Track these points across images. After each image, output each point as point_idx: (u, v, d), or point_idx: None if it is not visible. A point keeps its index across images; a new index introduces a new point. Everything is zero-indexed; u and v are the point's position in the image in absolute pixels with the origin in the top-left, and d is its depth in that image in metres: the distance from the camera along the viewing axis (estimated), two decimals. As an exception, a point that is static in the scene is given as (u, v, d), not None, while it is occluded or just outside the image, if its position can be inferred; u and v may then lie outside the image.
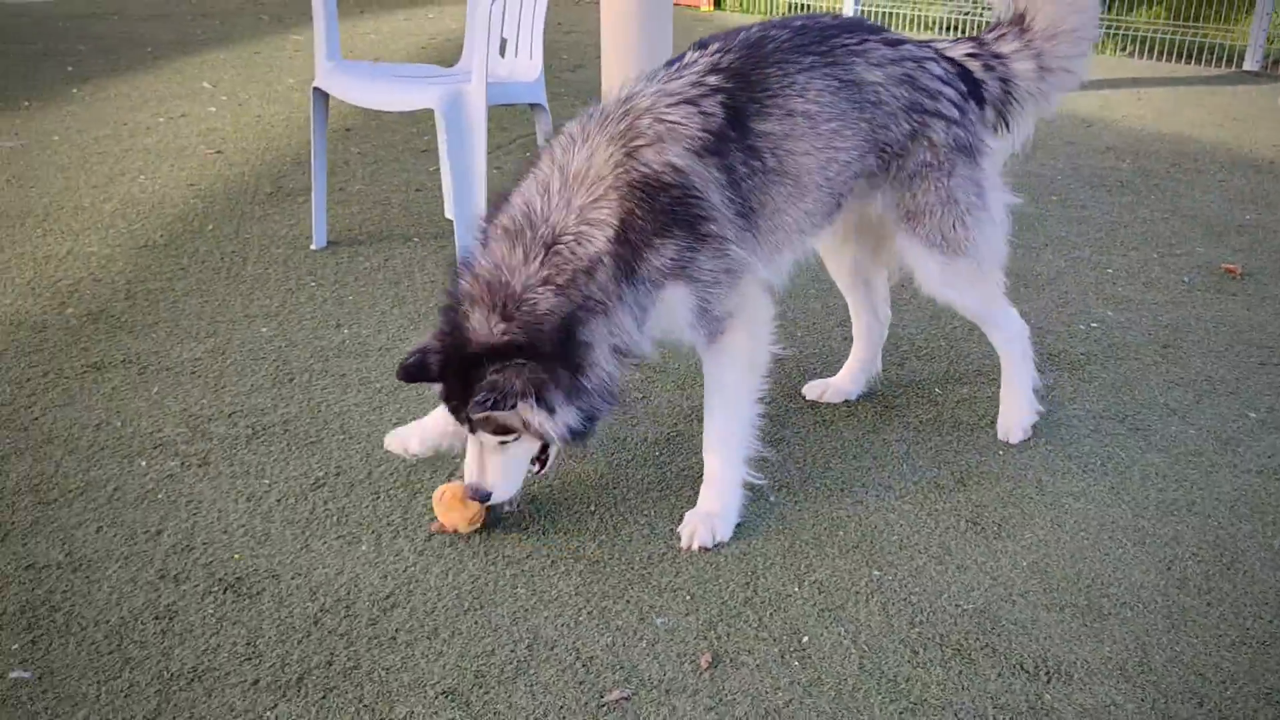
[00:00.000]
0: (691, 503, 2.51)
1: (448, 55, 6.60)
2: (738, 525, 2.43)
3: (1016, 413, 2.87)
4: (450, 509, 2.36)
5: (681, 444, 2.78)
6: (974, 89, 2.66)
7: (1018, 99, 2.73)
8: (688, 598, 2.20)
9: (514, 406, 2.15)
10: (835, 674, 2.01)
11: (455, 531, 2.37)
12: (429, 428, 2.59)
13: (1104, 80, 7.53)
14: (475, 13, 3.78)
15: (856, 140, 2.52)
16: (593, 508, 2.48)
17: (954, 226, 2.64)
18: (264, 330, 3.31)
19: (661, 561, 2.31)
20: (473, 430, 2.26)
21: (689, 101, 2.33)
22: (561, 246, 2.20)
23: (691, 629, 2.11)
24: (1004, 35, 2.73)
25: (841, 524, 2.46)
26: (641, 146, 2.27)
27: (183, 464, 2.61)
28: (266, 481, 2.55)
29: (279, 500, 2.48)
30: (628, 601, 2.18)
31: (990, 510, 2.53)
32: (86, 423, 2.77)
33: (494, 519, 2.41)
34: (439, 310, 2.29)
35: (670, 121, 2.30)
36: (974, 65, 2.69)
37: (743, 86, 2.38)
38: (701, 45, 2.48)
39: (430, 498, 2.45)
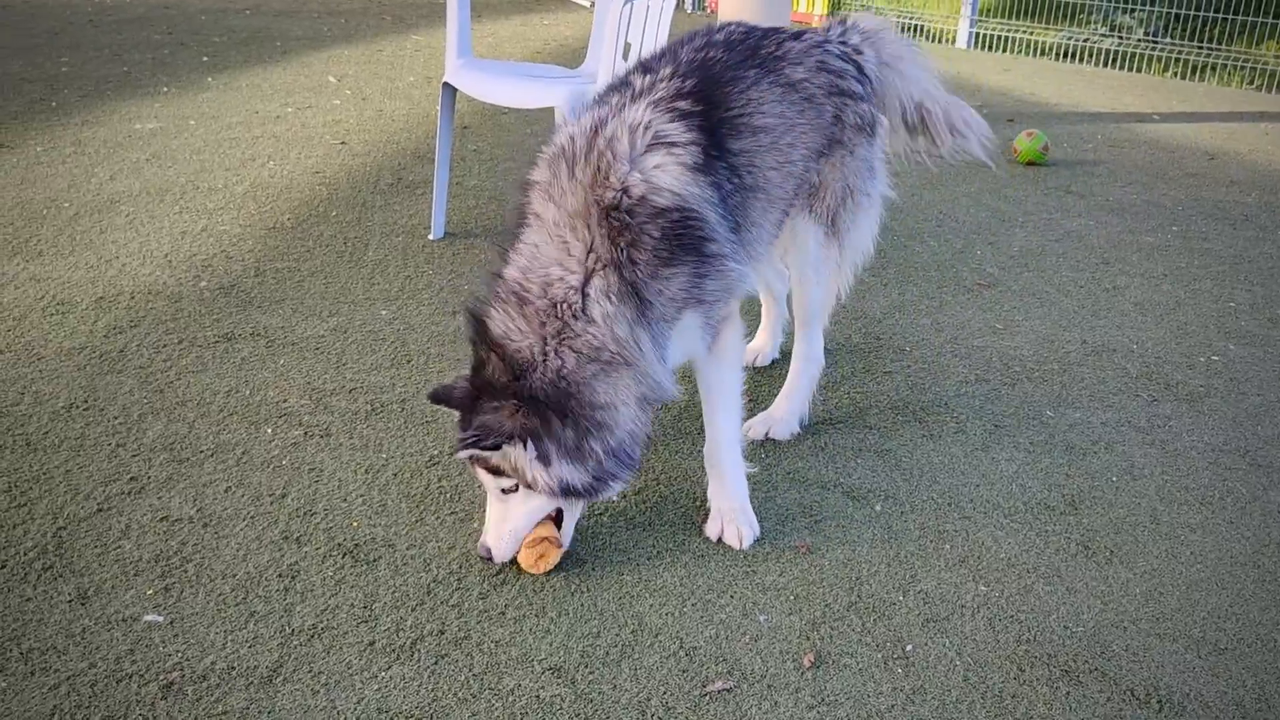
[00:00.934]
0: (797, 503, 2.52)
1: (563, 61, 6.71)
2: (841, 531, 2.43)
3: (783, 413, 2.87)
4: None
5: (785, 448, 2.79)
6: (862, 69, 2.72)
7: (875, 88, 2.78)
8: (791, 598, 2.21)
9: (498, 447, 2.08)
10: (939, 684, 2.00)
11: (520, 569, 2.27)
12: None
13: (1229, 113, 7.32)
14: (605, 15, 3.84)
15: (804, 146, 2.56)
16: (699, 503, 2.50)
17: (843, 208, 2.72)
18: (384, 313, 3.42)
19: (765, 560, 2.32)
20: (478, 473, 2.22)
21: (668, 118, 2.24)
22: (561, 304, 2.10)
23: (794, 628, 2.12)
24: (844, 32, 2.78)
25: (948, 538, 2.44)
26: (615, 164, 2.14)
27: (306, 434, 2.71)
28: (384, 455, 2.64)
29: (395, 474, 2.56)
30: (731, 596, 2.21)
31: (1102, 536, 2.48)
32: (218, 389, 2.89)
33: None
34: (471, 345, 2.21)
35: (653, 137, 2.20)
36: (851, 54, 2.73)
37: (712, 108, 2.32)
38: (646, 69, 2.40)
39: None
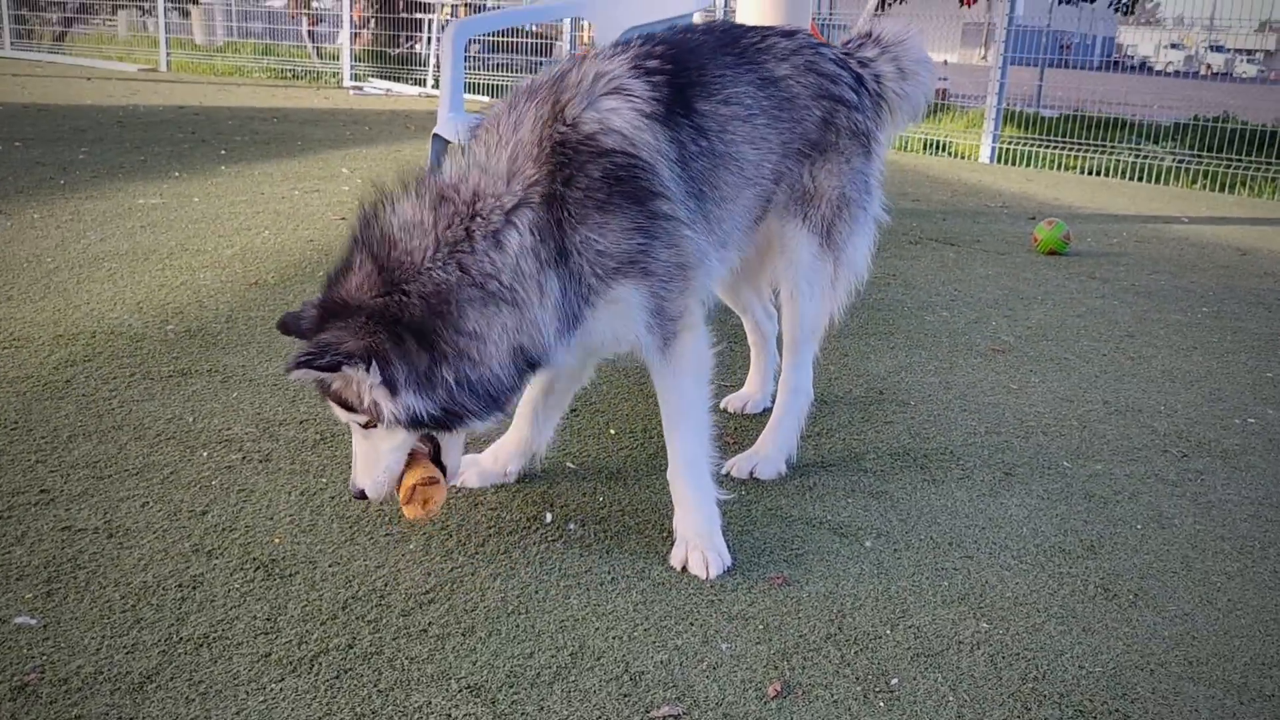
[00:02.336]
0: (777, 538, 2.25)
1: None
2: (824, 565, 2.15)
3: (769, 450, 2.60)
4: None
5: (768, 486, 2.52)
6: (860, 80, 2.59)
7: (886, 99, 2.65)
8: (760, 627, 1.92)
9: (336, 367, 1.85)
10: (927, 719, 1.69)
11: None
12: (485, 464, 2.44)
13: (1260, 218, 7.15)
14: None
15: (782, 139, 2.39)
16: (665, 533, 2.23)
17: (839, 219, 2.52)
18: (354, 356, 3.23)
19: (735, 590, 2.04)
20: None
21: (633, 72, 2.10)
22: (478, 217, 1.91)
23: (761, 657, 1.83)
24: (861, 45, 2.71)
25: (946, 575, 2.15)
26: (572, 101, 2.00)
27: (244, 458, 2.49)
28: (324, 480, 2.40)
29: (333, 497, 2.32)
30: (691, 623, 1.92)
31: (1125, 580, 2.18)
32: (160, 416, 2.69)
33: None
34: (348, 245, 2.00)
35: (614, 84, 2.05)
36: (852, 63, 2.62)
37: (681, 71, 2.19)
38: (620, 44, 2.28)
39: (490, 512, 2.26)
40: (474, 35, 3.73)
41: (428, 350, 1.88)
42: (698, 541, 2.12)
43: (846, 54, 2.64)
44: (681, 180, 2.10)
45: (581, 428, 2.80)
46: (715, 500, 2.19)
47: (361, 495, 2.04)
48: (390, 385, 1.88)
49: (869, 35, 2.71)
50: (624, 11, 4.23)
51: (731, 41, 2.39)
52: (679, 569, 2.10)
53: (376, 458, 2.02)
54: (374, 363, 1.86)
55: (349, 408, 1.95)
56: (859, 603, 2.02)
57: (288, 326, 1.99)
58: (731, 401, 3.03)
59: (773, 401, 2.83)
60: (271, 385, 2.94)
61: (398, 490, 2.06)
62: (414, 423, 1.92)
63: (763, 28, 2.56)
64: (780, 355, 2.93)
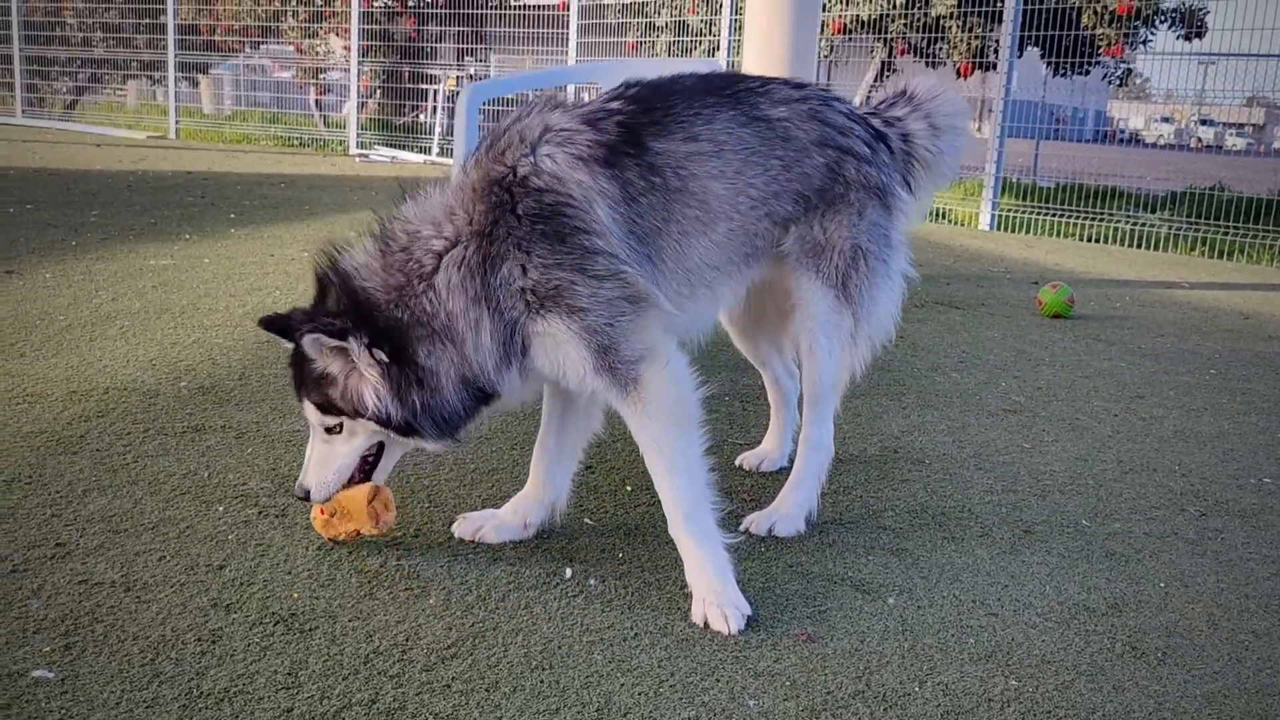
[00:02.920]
0: (799, 594, 2.23)
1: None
2: (848, 622, 2.12)
3: (789, 507, 2.57)
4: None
5: (787, 542, 2.50)
6: (880, 136, 2.61)
7: (918, 157, 2.68)
8: (787, 684, 1.89)
9: (344, 335, 2.05)
10: (962, 778, 1.66)
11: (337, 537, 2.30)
12: (504, 517, 2.43)
13: (1262, 284, 7.20)
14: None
15: (768, 177, 2.40)
16: (686, 589, 2.21)
17: (855, 271, 2.51)
18: (367, 414, 3.22)
19: (760, 647, 2.01)
20: (304, 410, 2.21)
21: (582, 120, 2.20)
22: (413, 261, 2.10)
23: (789, 714, 1.80)
24: (892, 104, 2.74)
25: (972, 633, 2.12)
26: (511, 148, 2.14)
27: (260, 513, 2.47)
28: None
29: (350, 551, 2.30)
30: (717, 680, 1.89)
31: (1152, 638, 2.15)
32: (175, 471, 2.68)
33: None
34: (315, 279, 2.19)
35: (555, 130, 2.16)
36: (874, 121, 2.65)
37: (643, 111, 2.27)
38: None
39: (509, 568, 2.25)
40: (488, 98, 3.81)
41: (398, 367, 2.08)
42: (713, 597, 2.09)
43: (871, 112, 2.68)
44: (624, 218, 2.14)
45: (598, 484, 2.79)
46: (723, 548, 2.16)
47: (305, 496, 2.23)
48: (381, 366, 2.07)
49: (902, 93, 2.74)
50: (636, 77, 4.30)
51: (724, 85, 2.44)
52: (701, 626, 2.07)
53: (330, 460, 2.21)
54: (371, 344, 2.06)
55: (325, 408, 2.14)
56: (885, 660, 1.99)
57: (273, 324, 2.18)
58: (747, 459, 3.02)
59: (790, 461, 2.82)
60: (286, 441, 2.94)
61: (321, 512, 2.27)
62: (382, 421, 2.11)
63: (770, 77, 2.60)
64: (800, 415, 2.94)
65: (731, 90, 2.44)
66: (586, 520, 2.56)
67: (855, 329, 2.54)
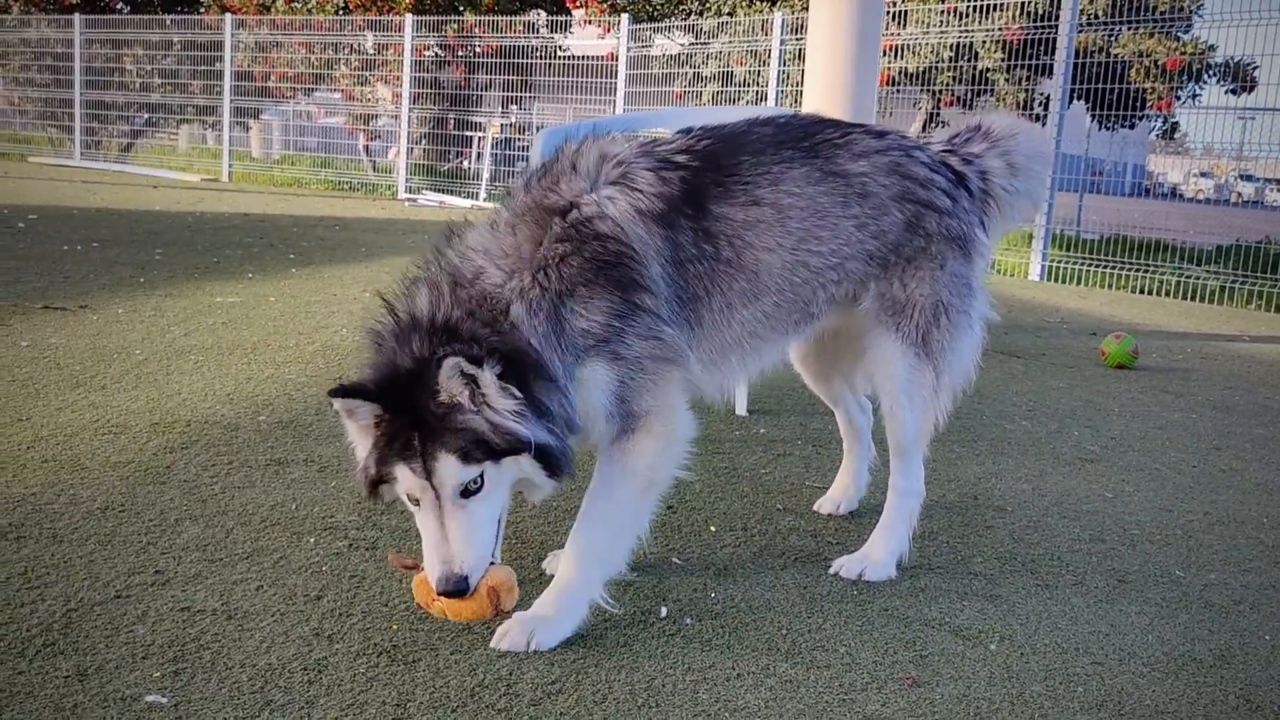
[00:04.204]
0: (898, 638, 2.19)
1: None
2: (951, 668, 2.08)
3: (880, 554, 2.53)
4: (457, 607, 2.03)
5: (879, 587, 2.47)
6: (961, 180, 2.55)
7: (994, 196, 2.62)
8: (899, 728, 1.86)
9: (479, 361, 1.88)
10: (1089, 828, 1.61)
11: (458, 619, 2.06)
12: None
13: (1324, 338, 7.09)
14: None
15: (836, 244, 2.36)
16: (784, 631, 2.18)
17: (936, 327, 2.46)
18: (445, 450, 3.23)
19: (865, 690, 1.98)
20: (428, 474, 1.91)
21: (646, 163, 2.18)
22: (485, 294, 2.02)
23: (905, 758, 1.76)
24: (969, 139, 2.67)
25: (1080, 681, 2.08)
26: (564, 178, 2.13)
27: (350, 545, 2.47)
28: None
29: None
30: (828, 722, 1.86)
31: (1266, 690, 2.10)
32: (263, 502, 2.69)
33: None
34: (371, 348, 2.08)
35: (613, 163, 2.15)
36: (953, 160, 2.58)
37: (709, 168, 2.23)
38: (684, 132, 2.36)
39: (602, 606, 2.23)
40: (561, 141, 3.84)
41: (527, 396, 1.97)
42: (530, 619, 2.05)
43: (950, 150, 2.64)
44: (673, 281, 2.13)
45: (680, 524, 2.77)
46: (588, 598, 2.10)
47: (463, 585, 1.92)
48: (515, 398, 1.93)
49: (977, 128, 2.68)
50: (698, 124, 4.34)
51: (803, 135, 2.40)
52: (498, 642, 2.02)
53: (475, 529, 1.94)
54: (504, 374, 1.93)
55: (469, 454, 1.89)
56: (995, 707, 1.95)
57: (351, 391, 1.95)
58: (823, 504, 2.98)
59: (865, 501, 2.80)
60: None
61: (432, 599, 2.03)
62: (540, 449, 1.94)
63: (851, 125, 2.55)
64: (873, 448, 2.92)
65: (810, 141, 2.40)
66: (674, 560, 2.54)
67: (937, 382, 2.51)
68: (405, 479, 1.94)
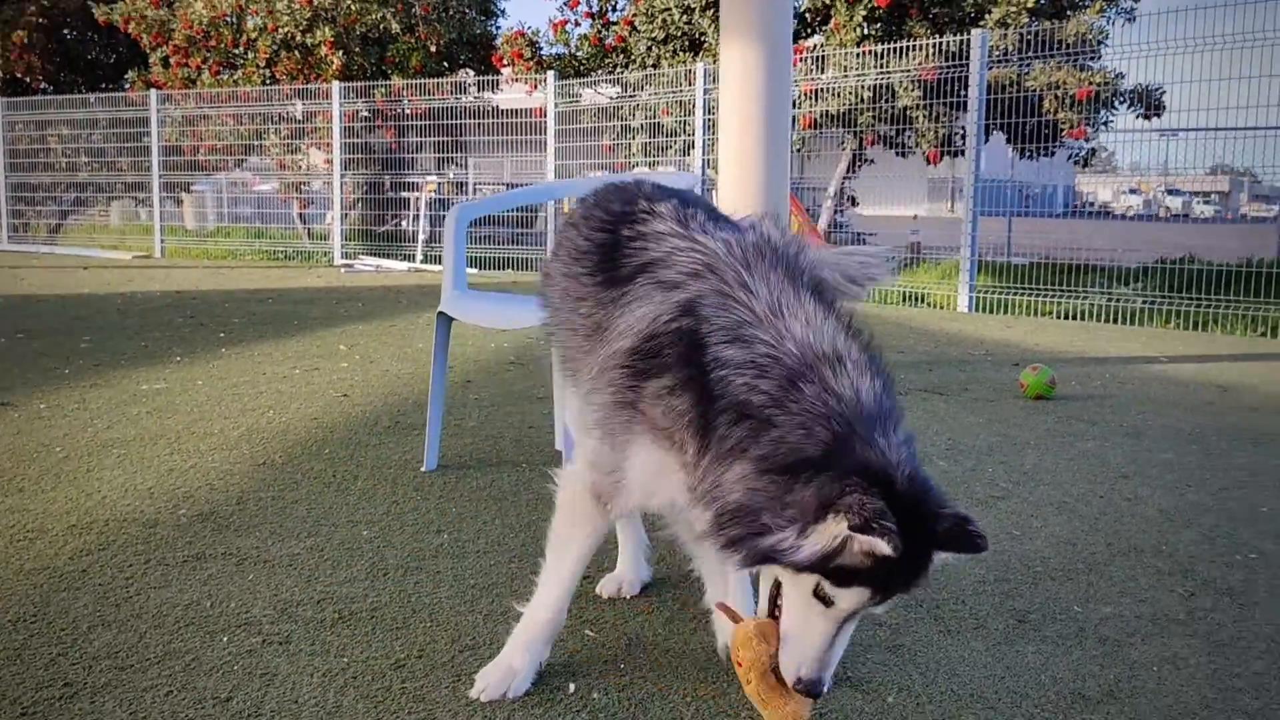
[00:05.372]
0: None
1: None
2: (852, 722, 2.16)
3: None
4: (775, 697, 2.00)
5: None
6: None
7: None
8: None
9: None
10: None
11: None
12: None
13: (1237, 355, 7.34)
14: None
15: None
16: (689, 699, 2.24)
17: None
18: (365, 533, 3.26)
19: (765, 754, 2.04)
20: (878, 593, 1.86)
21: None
22: None
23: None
24: None
25: (972, 728, 2.16)
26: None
27: (264, 641, 2.50)
28: (346, 659, 2.41)
29: (354, 677, 2.32)
30: (725, 790, 1.92)
31: (1148, 723, 2.19)
32: (178, 602, 2.70)
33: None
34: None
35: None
36: None
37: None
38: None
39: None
40: (475, 217, 3.93)
41: None
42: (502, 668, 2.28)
43: None
44: None
45: (598, 594, 2.82)
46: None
47: (820, 692, 1.94)
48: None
49: None
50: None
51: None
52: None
53: (838, 649, 1.94)
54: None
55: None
56: (888, 760, 2.02)
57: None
58: (606, 584, 2.87)
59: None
60: (286, 565, 2.97)
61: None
62: None
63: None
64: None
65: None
66: (588, 632, 2.59)
67: None
68: (860, 598, 1.87)
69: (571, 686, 2.30)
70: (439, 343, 3.99)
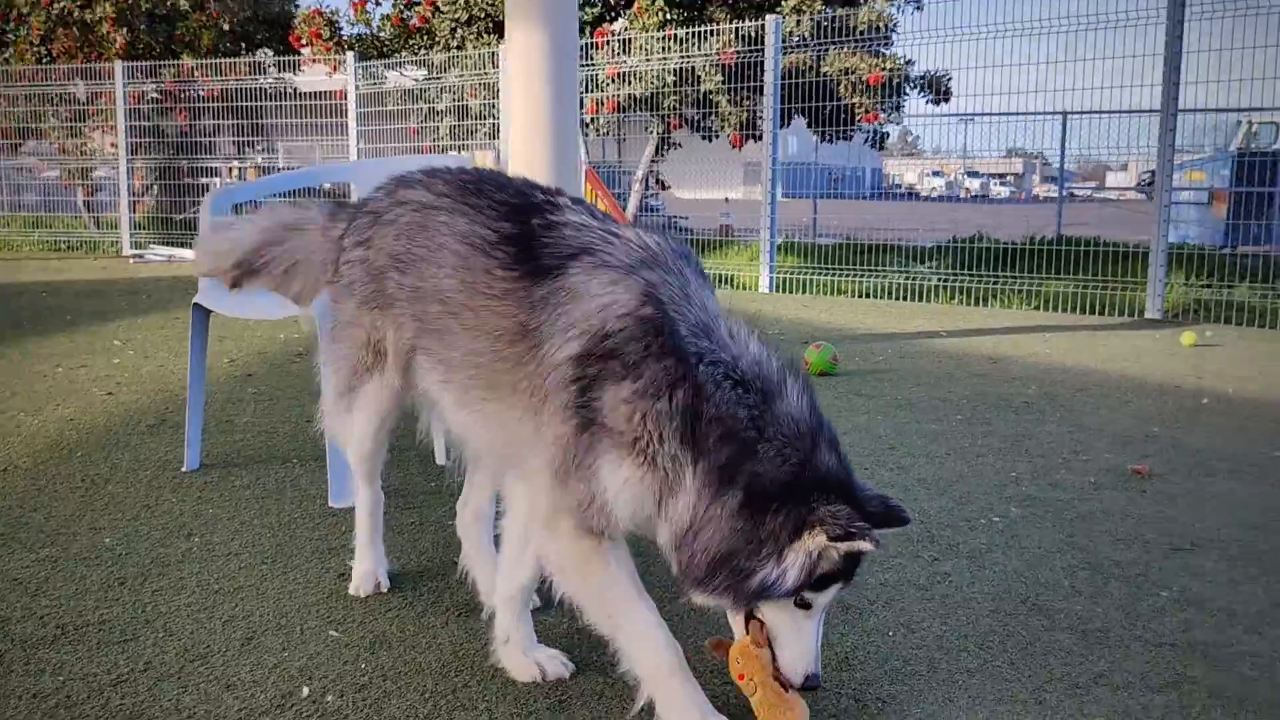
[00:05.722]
0: (542, 693, 2.24)
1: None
2: (590, 707, 2.15)
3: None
4: (780, 702, 2.02)
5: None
6: None
7: None
8: (521, 782, 1.89)
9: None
10: None
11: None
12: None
13: (1011, 327, 7.78)
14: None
15: None
16: (427, 695, 2.18)
17: None
18: (107, 540, 3.06)
19: (497, 747, 2.01)
20: (847, 581, 1.98)
21: None
22: None
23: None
24: None
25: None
26: None
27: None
28: (61, 679, 2.24)
29: (69, 696, 2.17)
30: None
31: (875, 688, 2.27)
32: (-128, 629, 2.47)
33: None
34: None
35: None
36: None
37: None
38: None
39: (244, 692, 2.16)
40: (234, 203, 3.74)
41: None
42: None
43: None
44: None
45: (345, 591, 2.73)
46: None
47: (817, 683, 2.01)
48: None
49: None
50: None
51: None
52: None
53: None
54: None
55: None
56: (620, 744, 2.02)
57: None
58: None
59: None
60: (11, 580, 2.76)
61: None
62: None
63: None
64: None
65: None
66: (332, 632, 2.50)
67: None
68: (834, 593, 1.98)
69: (305, 690, 2.21)
70: (195, 337, 3.78)
